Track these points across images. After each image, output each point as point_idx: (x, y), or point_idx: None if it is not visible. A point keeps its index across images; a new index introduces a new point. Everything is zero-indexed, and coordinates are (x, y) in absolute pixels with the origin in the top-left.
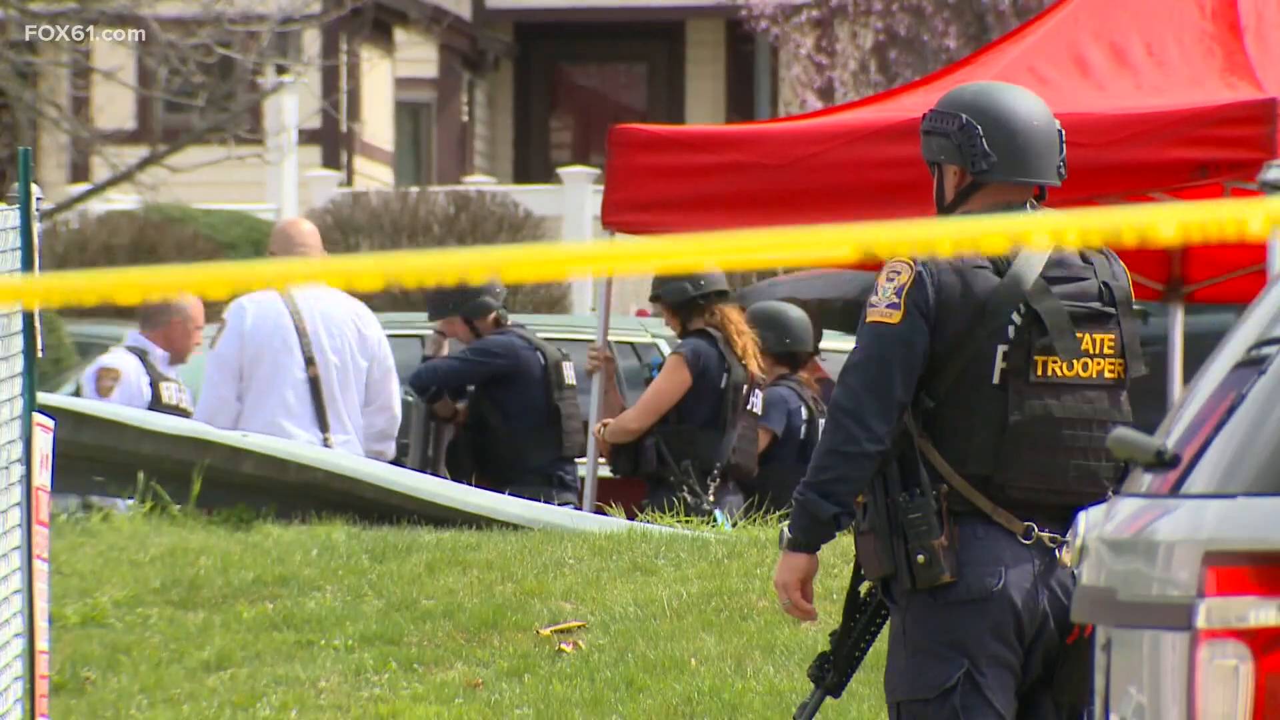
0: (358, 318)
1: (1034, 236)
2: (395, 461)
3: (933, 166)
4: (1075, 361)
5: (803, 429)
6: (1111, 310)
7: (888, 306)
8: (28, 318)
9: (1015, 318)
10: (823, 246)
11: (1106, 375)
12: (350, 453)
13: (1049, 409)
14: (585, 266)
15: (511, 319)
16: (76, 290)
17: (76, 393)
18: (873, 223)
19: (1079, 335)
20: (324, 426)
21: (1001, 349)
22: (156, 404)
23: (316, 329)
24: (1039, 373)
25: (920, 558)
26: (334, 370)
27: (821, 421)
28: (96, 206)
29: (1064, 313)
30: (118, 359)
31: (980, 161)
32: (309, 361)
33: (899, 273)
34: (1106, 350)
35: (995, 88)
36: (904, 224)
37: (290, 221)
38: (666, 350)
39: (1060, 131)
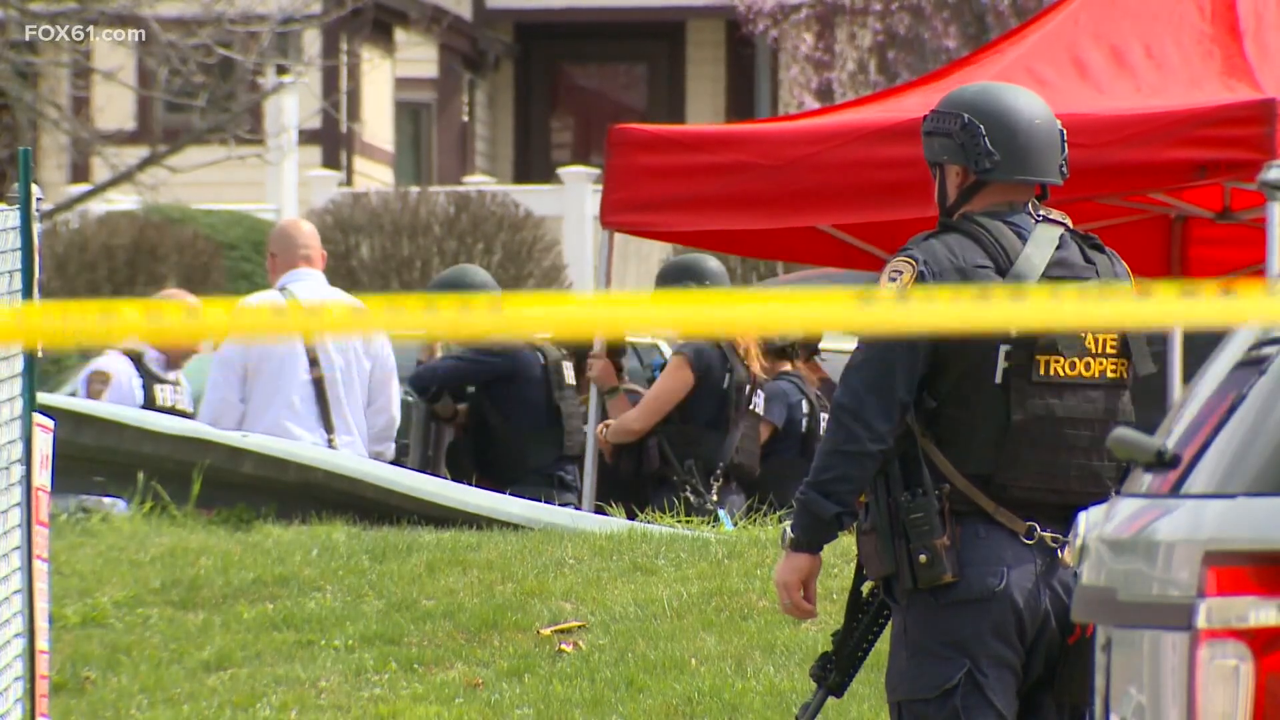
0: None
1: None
2: (395, 462)
3: (934, 168)
4: (1077, 361)
5: (804, 422)
6: None
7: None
8: None
9: None
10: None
11: (1109, 375)
12: (353, 453)
13: (1051, 408)
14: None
15: None
16: (79, 330)
17: (74, 395)
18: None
19: (1081, 334)
20: (329, 428)
21: (1004, 348)
22: (150, 406)
23: None
24: (1041, 372)
25: (922, 557)
26: (339, 371)
27: (823, 415)
28: (96, 207)
29: None
30: (109, 362)
31: (984, 160)
32: (313, 363)
33: (901, 272)
34: (1109, 350)
35: (996, 87)
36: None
37: (291, 222)
38: (668, 351)
39: (1061, 130)
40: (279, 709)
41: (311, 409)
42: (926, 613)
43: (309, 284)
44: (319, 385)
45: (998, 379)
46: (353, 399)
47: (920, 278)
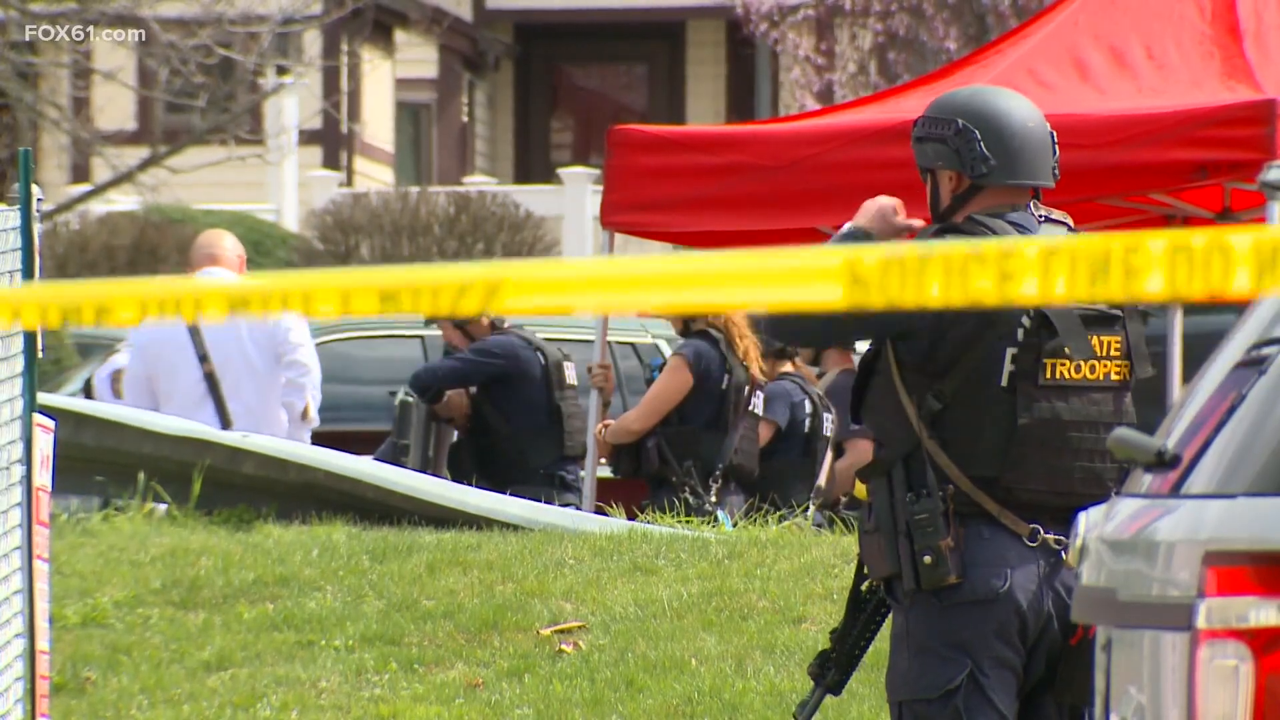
0: None
1: (1024, 260)
2: (395, 462)
3: (925, 173)
4: (1083, 364)
5: (807, 422)
6: (1118, 313)
7: None
8: None
9: (1024, 320)
10: (812, 275)
11: (1113, 377)
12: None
13: (1057, 411)
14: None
15: (510, 320)
16: (75, 304)
17: (87, 392)
18: (864, 245)
19: (1087, 338)
20: (226, 422)
21: (1010, 351)
22: None
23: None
24: (1047, 375)
25: (926, 558)
26: (221, 364)
27: (826, 416)
28: (97, 207)
29: (1073, 315)
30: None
31: (979, 165)
32: (203, 358)
33: None
34: (1113, 352)
35: (987, 91)
36: (894, 245)
37: (206, 231)
38: (667, 351)
39: (1052, 133)
40: (279, 709)
41: (207, 404)
42: (929, 613)
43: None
44: (211, 380)
45: (1003, 382)
46: (252, 387)
47: None
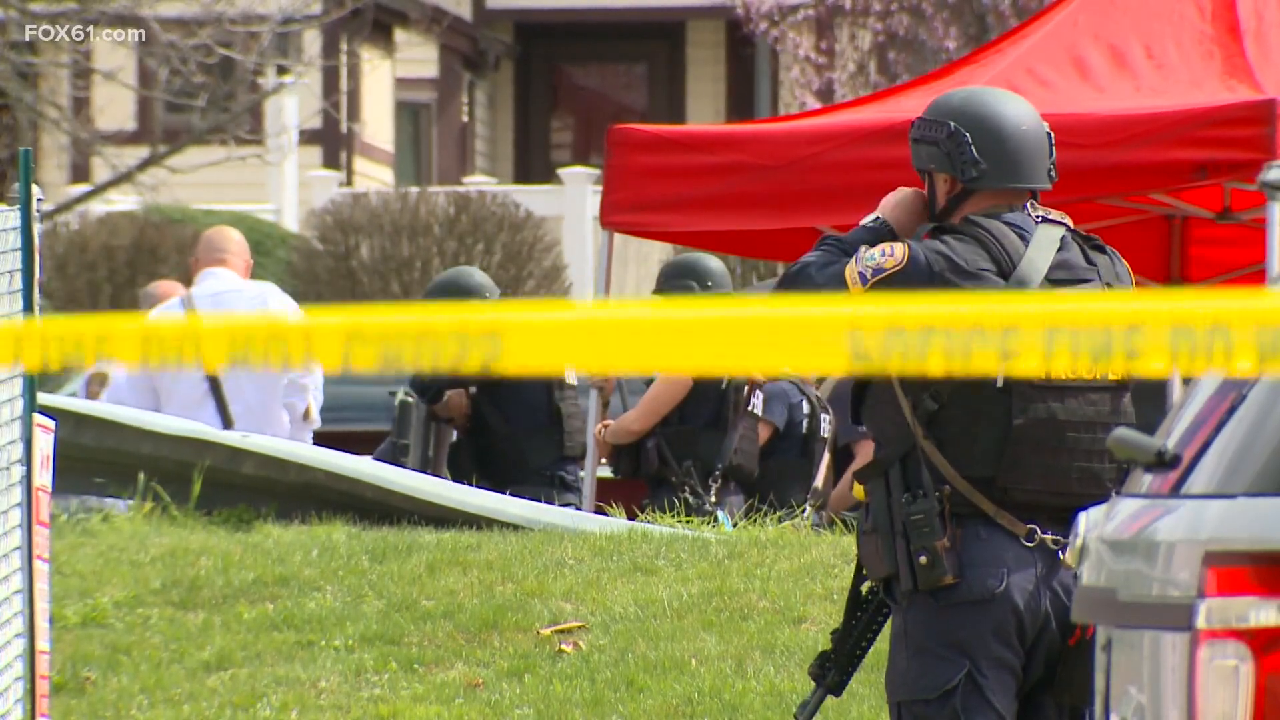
0: (264, 302)
1: (1026, 359)
2: (395, 462)
3: (923, 174)
4: None
5: (804, 423)
6: None
7: (860, 275)
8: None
9: None
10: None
11: (1110, 377)
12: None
13: (1053, 411)
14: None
15: None
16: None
17: (74, 395)
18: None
19: None
20: (228, 423)
21: None
22: None
23: None
24: (1043, 375)
25: (922, 559)
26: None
27: (824, 416)
28: (97, 207)
29: None
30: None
31: (970, 169)
32: None
33: (890, 254)
34: None
35: (983, 93)
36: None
37: (215, 229)
38: None
39: (1049, 134)
40: (279, 709)
41: (208, 404)
42: (927, 614)
43: (214, 281)
44: (213, 380)
45: (999, 382)
46: (253, 387)
47: (905, 274)
